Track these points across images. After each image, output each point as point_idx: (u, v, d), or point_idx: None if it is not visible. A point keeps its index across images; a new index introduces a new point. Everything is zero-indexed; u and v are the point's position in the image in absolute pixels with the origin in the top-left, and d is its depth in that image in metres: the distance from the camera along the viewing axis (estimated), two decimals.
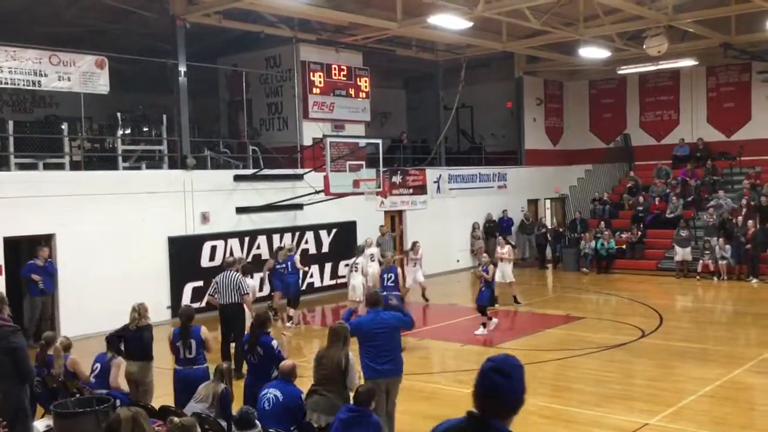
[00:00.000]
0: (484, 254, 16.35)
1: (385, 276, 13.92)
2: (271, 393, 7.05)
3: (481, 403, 2.94)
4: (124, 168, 16.73)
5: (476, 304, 14.59)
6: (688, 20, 19.60)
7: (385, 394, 7.77)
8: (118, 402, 7.08)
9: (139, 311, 8.86)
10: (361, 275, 15.12)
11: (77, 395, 7.50)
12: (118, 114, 17.19)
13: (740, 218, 21.12)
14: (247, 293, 11.60)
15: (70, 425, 6.45)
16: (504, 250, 17.12)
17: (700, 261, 21.00)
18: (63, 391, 8.06)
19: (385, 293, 13.15)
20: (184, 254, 16.93)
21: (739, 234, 20.52)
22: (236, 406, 8.58)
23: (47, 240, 14.94)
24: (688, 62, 23.94)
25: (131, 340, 8.76)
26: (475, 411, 2.96)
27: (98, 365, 8.29)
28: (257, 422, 6.59)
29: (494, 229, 24.99)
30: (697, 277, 20.86)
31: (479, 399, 2.95)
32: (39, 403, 8.23)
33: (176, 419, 5.97)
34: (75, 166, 16.12)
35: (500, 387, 2.91)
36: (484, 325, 14.27)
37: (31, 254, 14.69)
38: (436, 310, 17.11)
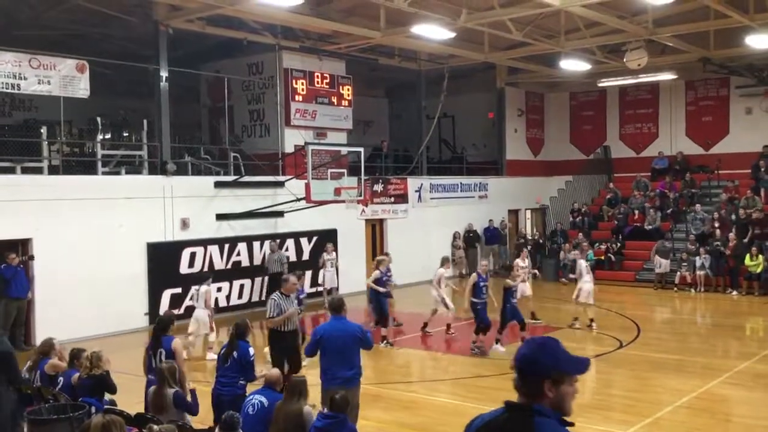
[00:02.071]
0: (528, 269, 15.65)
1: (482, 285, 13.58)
2: (257, 399, 7.22)
3: (518, 380, 2.89)
4: (104, 173, 16.59)
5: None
6: (668, 34, 19.84)
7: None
8: (93, 409, 7.01)
9: (92, 360, 7.68)
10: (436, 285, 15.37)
11: (51, 402, 7.41)
12: (98, 118, 17.08)
13: (717, 231, 21.34)
14: (271, 317, 10.14)
15: None
16: (525, 264, 16.29)
17: (678, 273, 21.19)
18: (37, 398, 7.96)
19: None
20: (162, 261, 16.81)
21: (720, 246, 20.73)
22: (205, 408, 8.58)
23: (24, 244, 14.80)
24: (668, 76, 24.21)
25: (84, 387, 7.70)
26: (516, 400, 2.89)
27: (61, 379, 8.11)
28: (240, 429, 6.60)
29: (474, 240, 25.07)
30: (675, 288, 21.04)
31: (517, 377, 2.90)
32: None
33: (155, 427, 5.92)
34: (53, 170, 15.97)
35: (527, 354, 2.89)
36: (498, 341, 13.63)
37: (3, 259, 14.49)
38: (417, 319, 17.12)
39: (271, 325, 9.92)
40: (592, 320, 15.60)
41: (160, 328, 8.55)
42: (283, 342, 9.86)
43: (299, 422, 6.81)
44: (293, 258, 19.60)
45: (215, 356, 13.48)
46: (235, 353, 8.09)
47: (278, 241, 18.88)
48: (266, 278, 18.51)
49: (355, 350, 7.90)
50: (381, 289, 14.50)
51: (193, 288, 13.94)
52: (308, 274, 19.79)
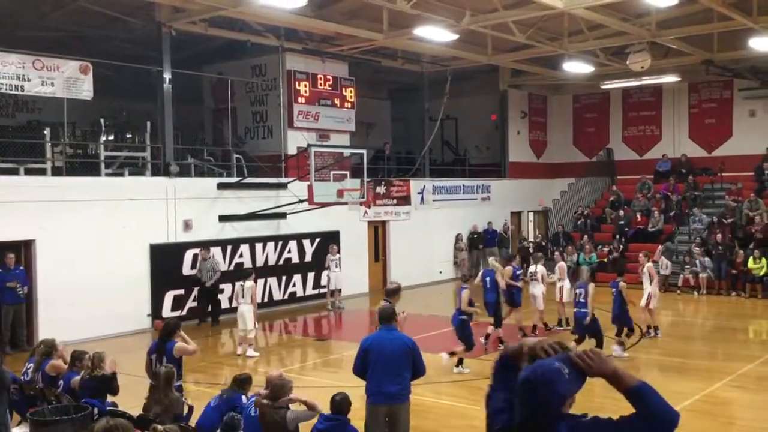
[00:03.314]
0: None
1: (577, 291, 13.21)
2: None
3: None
4: (107, 174, 16.59)
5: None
6: (671, 37, 19.83)
7: (388, 421, 7.11)
8: (95, 410, 7.00)
9: (93, 361, 7.77)
10: (541, 284, 15.36)
11: (54, 403, 7.41)
12: (102, 120, 17.07)
13: (719, 235, 21.29)
14: None
15: None
16: (647, 268, 15.33)
17: (681, 275, 21.15)
18: (40, 398, 7.96)
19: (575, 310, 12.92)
20: (165, 262, 16.82)
21: (726, 252, 20.75)
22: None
23: (27, 245, 14.81)
24: (671, 78, 24.18)
25: (87, 388, 7.69)
26: None
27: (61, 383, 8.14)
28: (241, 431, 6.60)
29: (478, 241, 25.07)
30: (678, 291, 21.00)
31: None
32: (15, 410, 8.13)
33: (159, 427, 5.92)
34: (57, 171, 16.00)
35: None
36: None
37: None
38: (417, 321, 17.11)
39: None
40: (654, 327, 15.18)
41: (166, 333, 8.49)
42: None
43: (282, 425, 6.81)
44: (295, 260, 19.61)
45: (255, 354, 13.58)
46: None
47: (209, 248, 17.40)
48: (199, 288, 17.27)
49: (404, 364, 7.10)
50: (516, 284, 14.51)
51: (237, 284, 14.42)
52: (310, 275, 19.88)
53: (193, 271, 17.19)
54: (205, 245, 17.51)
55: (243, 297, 14.05)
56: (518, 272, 14.98)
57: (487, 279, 14.31)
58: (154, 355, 8.41)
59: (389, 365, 7.02)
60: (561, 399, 2.81)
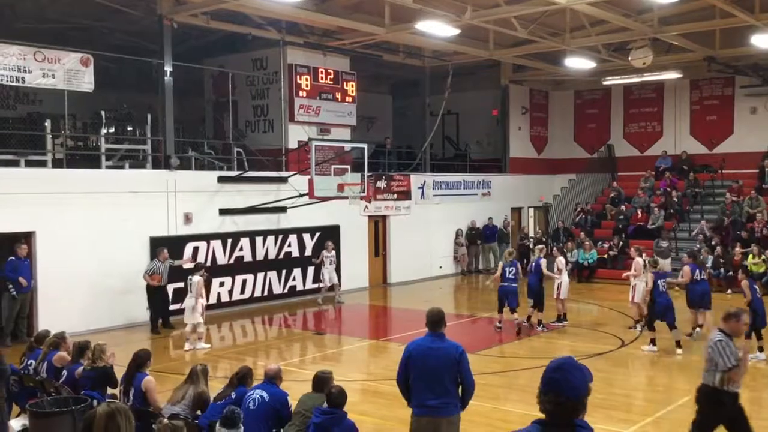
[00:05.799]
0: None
1: (507, 269, 14.59)
2: (258, 394, 7.18)
3: (547, 403, 3.04)
4: (107, 167, 16.59)
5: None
6: (673, 33, 19.81)
7: None
8: (95, 402, 7.02)
9: (94, 352, 7.85)
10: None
11: (54, 395, 7.43)
12: (102, 112, 17.07)
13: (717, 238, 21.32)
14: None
15: (45, 425, 6.39)
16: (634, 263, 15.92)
17: (680, 273, 21.09)
18: (40, 390, 7.98)
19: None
20: None
21: (725, 260, 20.79)
22: None
23: (26, 237, 14.81)
24: (673, 75, 24.16)
25: (87, 379, 7.75)
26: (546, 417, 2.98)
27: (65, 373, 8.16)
28: (241, 425, 6.62)
29: (477, 237, 25.08)
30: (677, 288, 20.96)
31: (545, 399, 3.04)
32: (15, 402, 8.15)
33: (165, 420, 5.94)
34: (57, 163, 16.00)
35: (559, 383, 3.03)
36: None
37: (10, 252, 14.42)
38: (418, 316, 17.12)
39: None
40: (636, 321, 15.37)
41: (136, 365, 7.66)
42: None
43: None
44: (295, 254, 19.62)
45: (206, 346, 13.88)
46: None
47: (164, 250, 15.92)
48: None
49: (446, 376, 6.26)
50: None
51: (189, 278, 14.46)
52: (310, 269, 19.88)
53: (191, 266, 17.12)
54: (206, 238, 17.55)
55: (190, 291, 14.16)
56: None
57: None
58: (122, 385, 7.73)
59: (429, 377, 6.28)
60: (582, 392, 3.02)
